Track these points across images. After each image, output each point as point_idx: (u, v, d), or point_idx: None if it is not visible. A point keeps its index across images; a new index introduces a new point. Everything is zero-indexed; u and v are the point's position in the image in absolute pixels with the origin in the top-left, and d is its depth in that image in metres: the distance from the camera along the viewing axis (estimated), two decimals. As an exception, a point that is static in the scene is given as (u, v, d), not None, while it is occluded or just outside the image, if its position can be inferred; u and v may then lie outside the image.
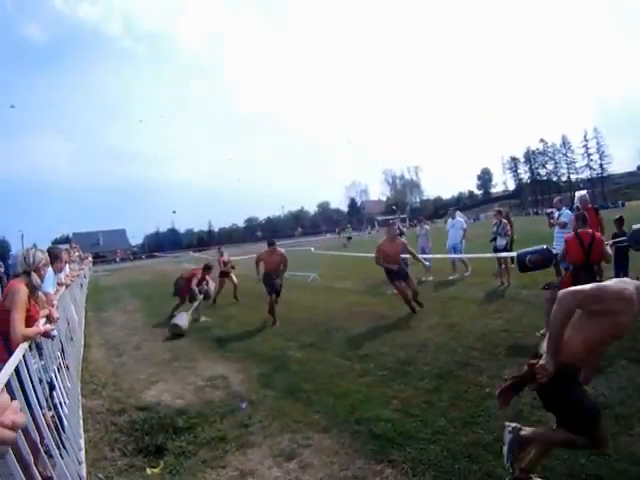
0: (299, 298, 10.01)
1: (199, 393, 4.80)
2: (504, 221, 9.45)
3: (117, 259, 56.34)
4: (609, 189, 78.62)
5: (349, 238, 34.63)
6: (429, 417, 3.67)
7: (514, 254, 8.10)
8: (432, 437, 3.36)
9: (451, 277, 10.44)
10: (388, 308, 7.90)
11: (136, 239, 79.18)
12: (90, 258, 26.06)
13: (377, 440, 3.40)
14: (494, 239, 9.40)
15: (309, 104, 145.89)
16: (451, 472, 2.94)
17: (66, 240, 54.32)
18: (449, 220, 11.31)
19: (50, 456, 2.39)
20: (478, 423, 3.50)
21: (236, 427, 3.85)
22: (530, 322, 5.94)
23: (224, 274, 10.62)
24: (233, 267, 10.95)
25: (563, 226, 7.57)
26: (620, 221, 7.78)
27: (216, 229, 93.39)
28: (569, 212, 7.97)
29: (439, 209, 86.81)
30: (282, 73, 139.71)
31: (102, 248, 63.57)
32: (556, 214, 8.06)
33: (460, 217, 11.40)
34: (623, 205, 48.21)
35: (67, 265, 7.44)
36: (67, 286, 6.19)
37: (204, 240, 78.98)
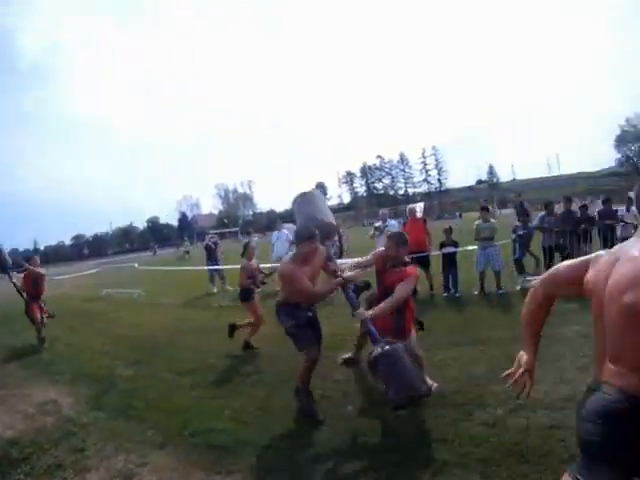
0: (125, 315, 9.96)
1: (30, 421, 4.50)
2: None
3: None
4: (447, 202, 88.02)
5: (187, 252, 34.25)
6: (264, 424, 3.80)
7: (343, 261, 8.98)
8: (268, 443, 3.49)
9: (278, 288, 10.81)
10: (214, 320, 8.15)
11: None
12: None
13: (214, 451, 3.45)
14: None
15: (139, 113, 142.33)
16: (292, 475, 3.07)
17: None
18: (275, 233, 11.77)
19: None
20: (311, 425, 3.70)
21: (71, 452, 3.68)
22: (347, 320, 6.51)
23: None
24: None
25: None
26: (449, 231, 8.89)
27: (42, 247, 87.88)
28: (395, 223, 8.87)
29: (273, 222, 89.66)
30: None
31: None
32: (379, 224, 8.93)
33: (286, 229, 11.82)
34: (460, 216, 53.12)
35: None
36: None
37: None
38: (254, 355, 5.87)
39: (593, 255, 1.78)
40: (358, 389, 4.50)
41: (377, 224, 9.34)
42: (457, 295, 8.36)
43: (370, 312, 3.84)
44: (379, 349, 3.60)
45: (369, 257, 4.54)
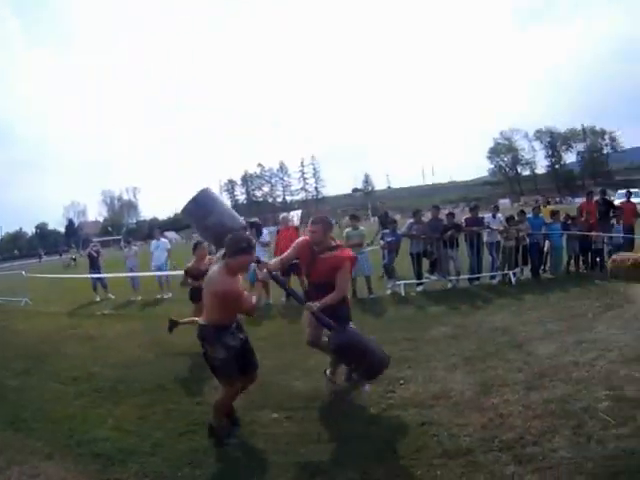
0: (10, 324, 9.70)
1: None
2: None
3: None
4: (324, 209, 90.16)
5: (73, 259, 32.64)
6: (146, 431, 3.92)
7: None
8: (151, 450, 3.59)
9: (158, 296, 11.08)
10: (98, 328, 8.18)
11: None
12: None
13: (99, 460, 3.53)
14: None
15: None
16: (175, 480, 3.22)
17: None
18: (153, 241, 11.96)
19: None
20: (193, 431, 3.84)
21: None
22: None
23: None
24: None
25: (265, 245, 8.93)
26: None
27: None
28: (265, 232, 9.37)
29: (157, 228, 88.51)
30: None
31: None
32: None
33: (164, 238, 12.24)
34: (337, 223, 55.02)
35: None
36: None
37: None
38: (135, 363, 5.98)
39: None
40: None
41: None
42: None
43: (317, 304, 3.92)
44: (338, 336, 3.90)
45: (290, 251, 4.33)
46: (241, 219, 4.25)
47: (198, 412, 4.19)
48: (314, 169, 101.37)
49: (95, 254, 12.49)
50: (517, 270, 9.35)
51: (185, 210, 4.06)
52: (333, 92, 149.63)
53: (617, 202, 12.09)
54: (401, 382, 4.48)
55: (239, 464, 3.37)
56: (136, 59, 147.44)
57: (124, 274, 11.87)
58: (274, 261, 4.37)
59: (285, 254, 4.40)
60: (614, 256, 9.02)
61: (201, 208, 3.99)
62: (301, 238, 4.61)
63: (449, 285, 9.20)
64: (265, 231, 9.57)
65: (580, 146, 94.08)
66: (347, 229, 9.42)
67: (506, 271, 9.34)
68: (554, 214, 10.10)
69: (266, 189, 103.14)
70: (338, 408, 4.07)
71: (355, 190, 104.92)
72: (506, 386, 4.20)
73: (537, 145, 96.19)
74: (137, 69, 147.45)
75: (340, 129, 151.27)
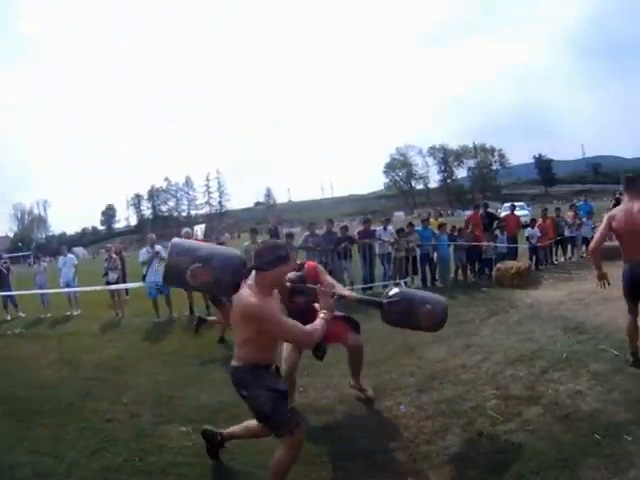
0: None
1: None
2: (114, 256, 10.38)
3: None
4: (228, 223, 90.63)
5: None
6: (61, 452, 3.80)
7: (128, 286, 9.93)
8: (67, 471, 3.50)
9: (68, 313, 10.65)
10: (9, 348, 7.76)
11: None
12: None
13: None
14: (106, 274, 10.15)
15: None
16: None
17: None
18: (61, 257, 11.52)
19: None
20: (105, 448, 3.79)
21: None
22: (131, 343, 7.12)
23: None
24: None
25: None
26: None
27: None
28: (161, 249, 9.15)
29: (63, 244, 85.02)
30: None
31: None
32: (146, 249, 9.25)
33: (72, 254, 11.89)
34: (238, 236, 55.57)
35: None
36: None
37: None
38: (45, 382, 5.70)
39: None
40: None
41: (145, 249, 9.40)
42: None
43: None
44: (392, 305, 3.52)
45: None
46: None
47: (109, 429, 4.17)
48: (219, 183, 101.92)
49: (5, 271, 11.69)
50: (408, 279, 9.90)
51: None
52: (238, 108, 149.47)
53: (503, 214, 13.09)
54: (301, 389, 4.62)
55: (151, 479, 3.38)
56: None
57: (34, 291, 11.37)
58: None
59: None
60: (499, 265, 9.81)
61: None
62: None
63: None
64: (161, 248, 9.30)
65: (471, 162, 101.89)
66: (245, 243, 9.47)
67: (397, 280, 9.94)
68: (441, 226, 10.84)
69: (172, 203, 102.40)
70: (243, 419, 4.08)
71: (257, 204, 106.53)
72: (399, 389, 4.54)
73: (430, 161, 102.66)
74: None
75: (244, 143, 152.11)
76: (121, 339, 7.53)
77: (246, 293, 2.78)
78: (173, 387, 4.95)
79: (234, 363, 2.92)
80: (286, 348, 4.05)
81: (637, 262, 4.35)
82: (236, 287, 2.91)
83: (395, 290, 3.75)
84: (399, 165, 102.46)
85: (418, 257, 10.26)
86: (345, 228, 10.79)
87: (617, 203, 15.11)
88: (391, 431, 3.68)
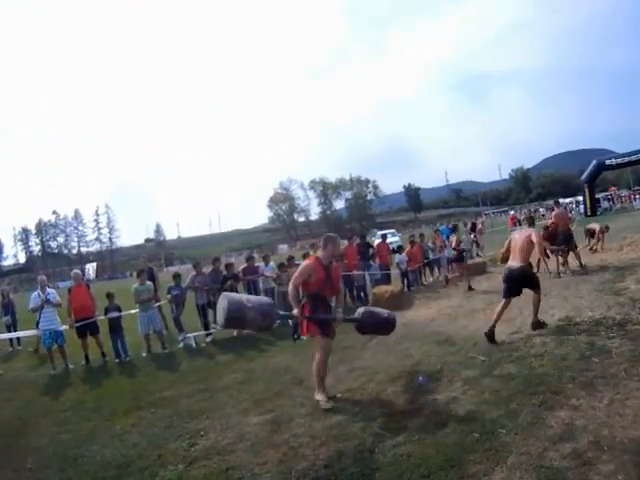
0: None
1: None
2: None
3: None
4: (119, 260, 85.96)
5: None
6: None
7: (21, 334, 9.98)
8: None
9: None
10: None
11: None
12: None
13: None
14: None
15: None
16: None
17: None
18: None
19: None
20: None
21: None
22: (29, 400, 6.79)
23: None
24: None
25: (56, 305, 8.48)
26: (112, 295, 9.05)
27: None
28: (52, 292, 8.56)
29: None
30: None
31: None
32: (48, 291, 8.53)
33: None
34: (131, 275, 52.87)
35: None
36: None
37: None
38: None
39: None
40: None
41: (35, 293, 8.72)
42: (127, 359, 8.53)
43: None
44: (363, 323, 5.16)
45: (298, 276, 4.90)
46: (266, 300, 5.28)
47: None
48: (108, 218, 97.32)
49: None
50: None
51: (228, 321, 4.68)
52: (129, 138, 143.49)
53: (376, 243, 13.90)
54: (201, 433, 4.63)
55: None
56: None
57: None
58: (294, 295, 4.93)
59: (296, 281, 4.92)
60: (374, 290, 10.41)
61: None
62: (307, 261, 5.18)
63: (235, 333, 9.41)
64: (52, 291, 8.66)
65: (348, 194, 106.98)
66: (135, 285, 9.20)
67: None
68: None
69: (61, 239, 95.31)
70: (146, 471, 4.03)
71: (148, 240, 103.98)
72: (293, 421, 4.61)
73: (311, 194, 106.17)
74: None
75: (134, 177, 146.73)
76: (18, 397, 7.02)
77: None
78: (77, 445, 4.72)
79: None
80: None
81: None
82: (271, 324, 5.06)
83: (362, 309, 5.36)
84: (282, 199, 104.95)
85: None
86: (230, 265, 10.82)
87: (473, 226, 16.98)
88: (291, 462, 3.75)
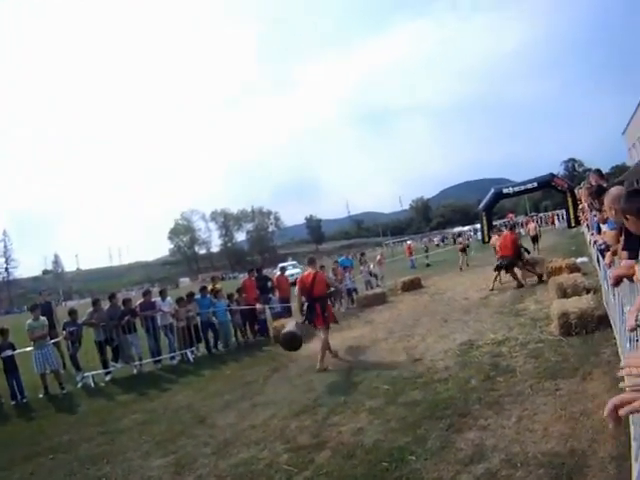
0: None
1: None
2: None
3: None
4: (16, 293, 79.19)
5: None
6: None
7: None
8: None
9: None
10: None
11: None
12: None
13: None
14: None
15: None
16: None
17: None
18: None
19: None
20: None
21: None
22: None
23: None
24: None
25: None
26: (6, 332, 8.44)
27: None
28: None
29: None
30: None
31: None
32: None
33: None
34: (28, 309, 49.10)
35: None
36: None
37: None
38: None
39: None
40: None
41: None
42: (24, 400, 8.00)
43: None
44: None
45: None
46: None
47: None
48: (5, 247, 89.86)
49: None
50: (193, 348, 9.79)
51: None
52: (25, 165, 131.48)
53: (275, 276, 13.80)
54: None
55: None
56: None
57: None
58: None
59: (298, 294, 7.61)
60: (275, 323, 10.36)
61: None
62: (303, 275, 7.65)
63: (134, 371, 9.10)
64: None
65: (249, 225, 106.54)
66: (28, 321, 8.64)
67: (183, 350, 9.77)
68: (217, 293, 10.94)
69: None
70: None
71: (45, 272, 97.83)
72: (197, 461, 4.46)
73: (213, 225, 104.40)
74: None
75: (31, 205, 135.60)
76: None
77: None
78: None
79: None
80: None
81: None
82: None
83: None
84: (183, 230, 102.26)
85: (199, 325, 10.22)
86: (128, 300, 10.41)
87: (361, 256, 17.48)
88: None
